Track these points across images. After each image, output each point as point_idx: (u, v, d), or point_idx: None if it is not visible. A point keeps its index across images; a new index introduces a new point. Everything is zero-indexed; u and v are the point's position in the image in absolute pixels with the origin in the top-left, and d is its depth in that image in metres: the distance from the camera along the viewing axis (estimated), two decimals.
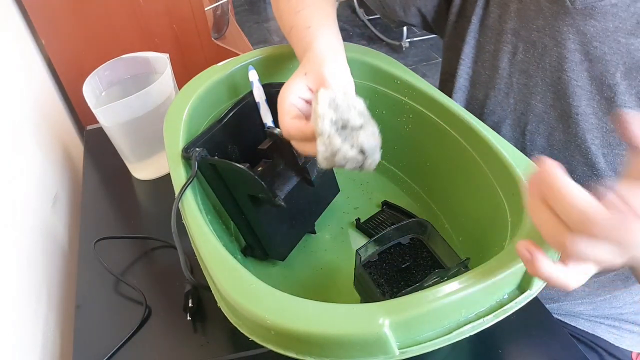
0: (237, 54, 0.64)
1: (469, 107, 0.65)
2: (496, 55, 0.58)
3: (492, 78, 0.60)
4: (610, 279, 0.62)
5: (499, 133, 0.60)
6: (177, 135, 0.52)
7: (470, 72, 0.62)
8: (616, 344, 0.67)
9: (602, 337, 0.67)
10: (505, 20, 0.57)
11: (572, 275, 0.33)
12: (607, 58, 0.50)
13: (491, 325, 0.37)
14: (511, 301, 0.38)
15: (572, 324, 0.68)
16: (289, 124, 0.45)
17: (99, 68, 0.74)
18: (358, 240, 0.62)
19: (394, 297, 0.36)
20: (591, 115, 0.53)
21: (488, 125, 0.52)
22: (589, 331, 0.67)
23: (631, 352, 0.68)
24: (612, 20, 0.49)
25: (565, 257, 0.33)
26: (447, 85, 0.67)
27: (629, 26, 0.49)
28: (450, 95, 0.65)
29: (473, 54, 0.61)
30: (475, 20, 0.60)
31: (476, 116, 0.54)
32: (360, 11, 2.85)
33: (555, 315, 0.68)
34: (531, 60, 0.55)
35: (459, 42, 0.62)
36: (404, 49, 2.61)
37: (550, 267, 0.32)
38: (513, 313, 0.38)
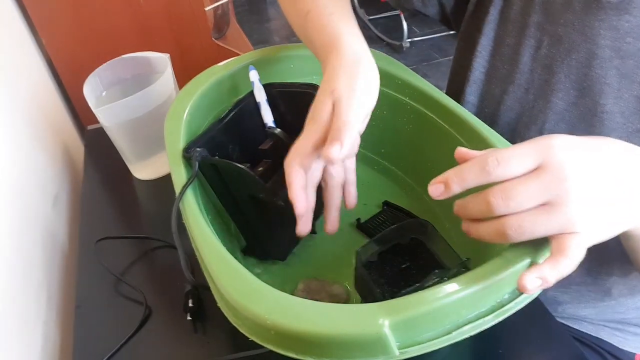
0: (238, 54, 0.65)
1: (484, 102, 0.62)
2: (517, 49, 0.56)
3: (511, 73, 0.58)
4: (619, 289, 0.62)
5: (515, 130, 0.59)
6: (177, 135, 0.52)
7: (487, 65, 0.60)
8: (620, 347, 0.67)
9: (606, 339, 0.67)
10: (528, 13, 0.55)
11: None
12: None
13: (492, 326, 0.37)
14: (511, 301, 0.38)
15: (575, 327, 0.68)
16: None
17: (99, 68, 0.74)
18: (358, 240, 0.62)
19: (394, 298, 0.36)
20: (617, 113, 0.51)
21: (504, 122, 0.51)
22: (593, 334, 0.67)
23: (635, 354, 0.68)
24: None
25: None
26: (458, 77, 0.65)
27: None
28: (462, 89, 0.63)
29: (491, 47, 0.59)
30: (493, 12, 0.58)
31: (491, 112, 0.53)
32: (360, 11, 2.85)
33: (559, 319, 0.68)
34: (556, 55, 0.53)
35: (475, 34, 0.60)
36: (404, 49, 2.61)
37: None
38: (513, 313, 0.38)
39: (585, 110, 0.53)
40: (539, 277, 0.34)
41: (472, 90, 0.63)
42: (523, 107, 0.58)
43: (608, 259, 0.59)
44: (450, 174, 0.36)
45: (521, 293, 0.38)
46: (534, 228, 0.34)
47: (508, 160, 0.34)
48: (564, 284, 0.65)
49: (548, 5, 0.53)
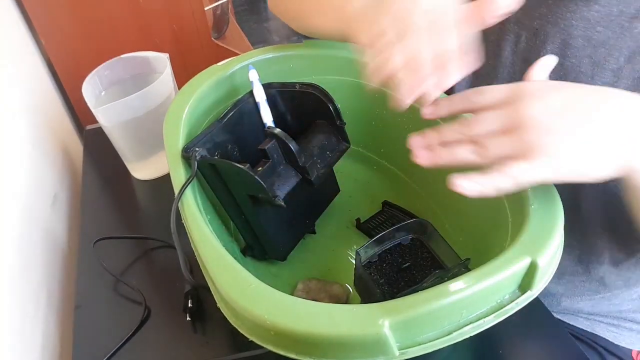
0: (237, 54, 0.64)
1: None
2: (499, 44, 0.59)
3: (495, 68, 0.60)
4: (612, 279, 0.62)
5: None
6: (176, 135, 0.52)
7: None
8: (615, 342, 0.67)
9: (601, 335, 0.67)
10: None
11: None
12: (611, 42, 0.50)
13: (492, 326, 0.37)
14: (512, 302, 0.38)
15: (571, 323, 0.68)
16: None
17: (98, 68, 0.74)
18: (358, 240, 0.61)
19: (394, 298, 0.36)
20: None
21: None
22: (588, 330, 0.68)
23: (631, 350, 0.68)
24: (617, 4, 0.49)
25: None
26: None
27: (632, 10, 0.49)
28: (451, 87, 0.65)
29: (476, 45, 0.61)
30: None
31: None
32: None
33: (555, 314, 0.68)
34: (533, 48, 0.56)
35: None
36: None
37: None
38: (514, 313, 0.38)
39: None
40: (472, 181, 0.37)
41: (461, 88, 0.65)
42: None
43: (598, 247, 0.60)
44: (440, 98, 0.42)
45: (522, 293, 0.38)
46: (495, 147, 0.37)
47: (485, 89, 0.40)
48: (556, 274, 0.65)
49: (525, 1, 0.55)
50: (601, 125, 0.36)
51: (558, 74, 0.54)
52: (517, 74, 0.58)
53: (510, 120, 0.37)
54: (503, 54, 0.59)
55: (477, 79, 0.63)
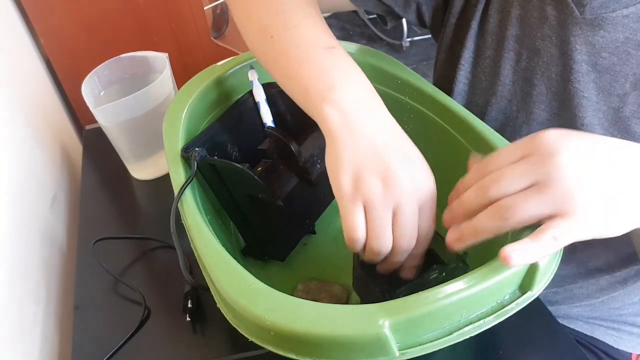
0: (237, 54, 0.64)
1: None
2: (497, 61, 0.57)
3: (492, 85, 0.58)
4: (609, 282, 0.62)
5: None
6: (176, 135, 0.52)
7: (470, 77, 0.61)
8: (615, 346, 0.67)
9: (601, 339, 0.67)
10: (506, 27, 0.55)
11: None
12: (617, 69, 0.49)
13: (492, 326, 0.37)
14: (512, 302, 0.38)
15: (570, 327, 0.68)
16: None
17: (97, 67, 0.73)
18: None
19: (394, 295, 0.36)
20: (597, 126, 0.51)
21: None
22: (588, 333, 0.67)
23: (631, 353, 0.67)
24: (623, 31, 0.48)
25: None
26: (442, 88, 0.66)
27: (639, 37, 0.48)
28: (450, 92, 0.64)
29: (472, 59, 0.60)
30: (474, 25, 0.58)
31: None
32: (360, 10, 2.85)
33: None
34: (536, 68, 0.54)
35: (458, 46, 0.61)
36: (404, 48, 2.61)
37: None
38: (514, 314, 0.38)
39: (566, 121, 0.54)
40: (520, 255, 0.34)
41: (458, 102, 0.63)
42: (507, 118, 0.59)
43: (595, 254, 0.60)
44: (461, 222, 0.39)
45: (522, 294, 0.38)
46: (526, 207, 0.34)
47: (497, 153, 0.38)
48: (554, 283, 0.65)
49: (525, 19, 0.53)
50: (632, 181, 0.35)
51: (562, 97, 0.53)
52: (518, 93, 0.56)
53: (537, 175, 0.34)
54: (502, 72, 0.57)
55: (474, 94, 0.61)
